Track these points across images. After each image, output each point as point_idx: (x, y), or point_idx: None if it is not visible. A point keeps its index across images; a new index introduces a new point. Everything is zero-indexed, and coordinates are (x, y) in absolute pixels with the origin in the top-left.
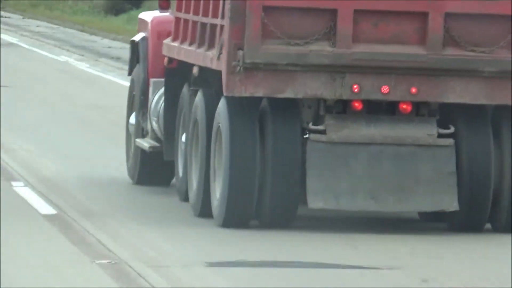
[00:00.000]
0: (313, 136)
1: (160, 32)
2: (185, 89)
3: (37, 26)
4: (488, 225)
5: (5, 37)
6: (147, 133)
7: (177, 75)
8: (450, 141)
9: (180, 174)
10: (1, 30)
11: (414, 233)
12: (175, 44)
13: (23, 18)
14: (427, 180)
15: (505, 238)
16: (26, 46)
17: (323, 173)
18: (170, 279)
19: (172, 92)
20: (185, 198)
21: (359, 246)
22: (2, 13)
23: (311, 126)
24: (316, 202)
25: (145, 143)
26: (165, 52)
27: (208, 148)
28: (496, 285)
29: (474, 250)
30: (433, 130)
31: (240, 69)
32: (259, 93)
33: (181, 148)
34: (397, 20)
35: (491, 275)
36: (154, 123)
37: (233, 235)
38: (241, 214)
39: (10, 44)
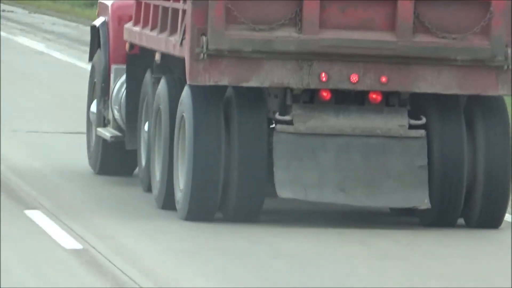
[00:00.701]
0: (280, 127)
1: (121, 16)
2: (147, 76)
3: (53, 24)
4: (460, 220)
5: (26, 41)
6: (108, 122)
7: (139, 61)
8: (422, 132)
9: (143, 164)
10: (16, 31)
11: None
12: (137, 29)
13: (29, 13)
14: (397, 174)
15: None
16: (62, 57)
17: (291, 164)
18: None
19: (134, 79)
20: (148, 189)
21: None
22: (3, 6)
23: (277, 116)
24: (284, 192)
25: (107, 133)
26: (126, 37)
27: (172, 138)
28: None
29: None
30: (404, 121)
31: (203, 56)
32: (224, 81)
33: (143, 137)
34: (365, 6)
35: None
36: (115, 112)
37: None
38: (206, 207)
39: (40, 54)
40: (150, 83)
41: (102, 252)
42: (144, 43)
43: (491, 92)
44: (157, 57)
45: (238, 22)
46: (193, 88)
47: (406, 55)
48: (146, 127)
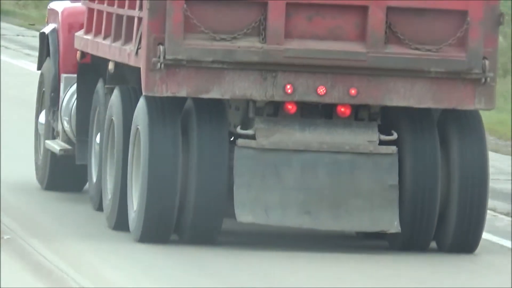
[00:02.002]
0: (241, 142)
1: (71, 24)
2: (99, 86)
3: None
4: (433, 244)
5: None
6: (57, 134)
7: (90, 70)
8: (393, 148)
9: (94, 180)
10: None
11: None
12: (88, 37)
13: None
14: (366, 194)
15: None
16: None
17: (252, 183)
18: None
19: (85, 89)
20: (99, 207)
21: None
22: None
23: (239, 130)
24: (244, 215)
25: (56, 145)
26: (77, 45)
27: (125, 153)
28: None
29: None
30: (374, 136)
31: (160, 66)
32: (182, 92)
33: (94, 150)
34: (334, 14)
35: None
36: (65, 123)
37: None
38: (160, 228)
39: None
40: (102, 94)
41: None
42: (97, 52)
43: (467, 107)
44: (111, 66)
45: (197, 31)
46: (149, 100)
47: (377, 66)
48: (97, 140)
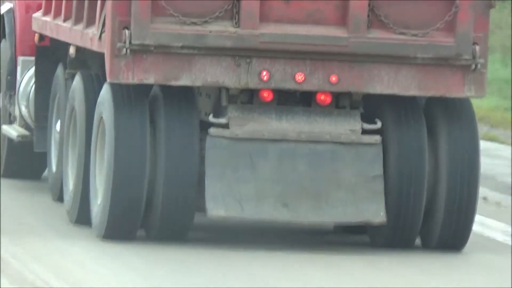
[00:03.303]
0: (214, 131)
1: (28, 4)
2: (59, 70)
3: None
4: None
5: None
6: (14, 119)
7: (49, 54)
8: (377, 138)
9: (54, 169)
10: None
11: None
12: (47, 19)
13: None
14: (348, 186)
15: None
16: None
17: (225, 175)
18: None
19: (44, 73)
20: (59, 197)
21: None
22: None
23: (211, 118)
24: (216, 209)
25: (13, 131)
26: (35, 27)
27: (88, 142)
28: None
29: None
30: (357, 125)
31: (126, 51)
32: (150, 80)
33: (54, 138)
34: None
35: None
36: (23, 108)
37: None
38: (127, 224)
39: None
40: (62, 79)
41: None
42: (56, 35)
43: (455, 94)
44: (72, 50)
45: (166, 14)
46: (114, 87)
47: (359, 52)
48: (57, 127)
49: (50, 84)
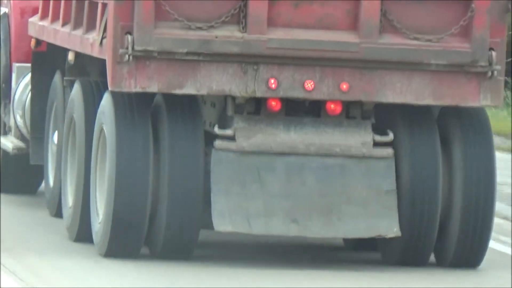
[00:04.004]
0: (219, 143)
1: (24, 8)
2: (57, 77)
3: None
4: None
5: None
6: (9, 129)
7: (46, 60)
8: (389, 151)
9: (51, 183)
10: None
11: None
12: (44, 23)
13: None
14: (360, 200)
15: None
16: None
17: (232, 190)
18: None
19: (40, 81)
20: (57, 213)
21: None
22: None
23: (216, 130)
24: (223, 224)
25: (8, 143)
26: (31, 32)
27: (88, 155)
28: None
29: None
30: (368, 137)
31: (129, 58)
32: (153, 88)
33: (52, 150)
34: (323, 0)
35: None
36: (18, 118)
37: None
38: (129, 241)
39: None
40: (60, 87)
41: None
42: (54, 40)
43: (471, 103)
44: (70, 57)
45: (170, 19)
46: (116, 96)
47: (371, 58)
48: (55, 138)
49: (47, 92)
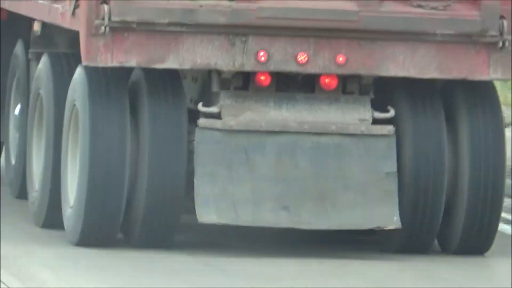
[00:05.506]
0: (204, 122)
1: None
2: (19, 48)
3: None
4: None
5: None
6: None
7: (7, 29)
8: (389, 128)
9: (13, 161)
10: None
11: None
12: None
13: None
14: (357, 185)
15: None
16: None
17: (217, 172)
18: None
19: (1, 52)
20: (20, 194)
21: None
22: None
23: (200, 107)
24: (207, 214)
25: None
26: None
27: (58, 134)
28: None
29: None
30: (366, 113)
31: (105, 29)
32: (131, 62)
33: (13, 125)
34: None
35: None
36: None
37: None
38: (104, 229)
39: None
40: (22, 58)
41: None
42: (17, 9)
43: (480, 77)
44: (37, 27)
45: None
46: (90, 70)
47: (371, 28)
48: (16, 112)
49: (8, 64)
